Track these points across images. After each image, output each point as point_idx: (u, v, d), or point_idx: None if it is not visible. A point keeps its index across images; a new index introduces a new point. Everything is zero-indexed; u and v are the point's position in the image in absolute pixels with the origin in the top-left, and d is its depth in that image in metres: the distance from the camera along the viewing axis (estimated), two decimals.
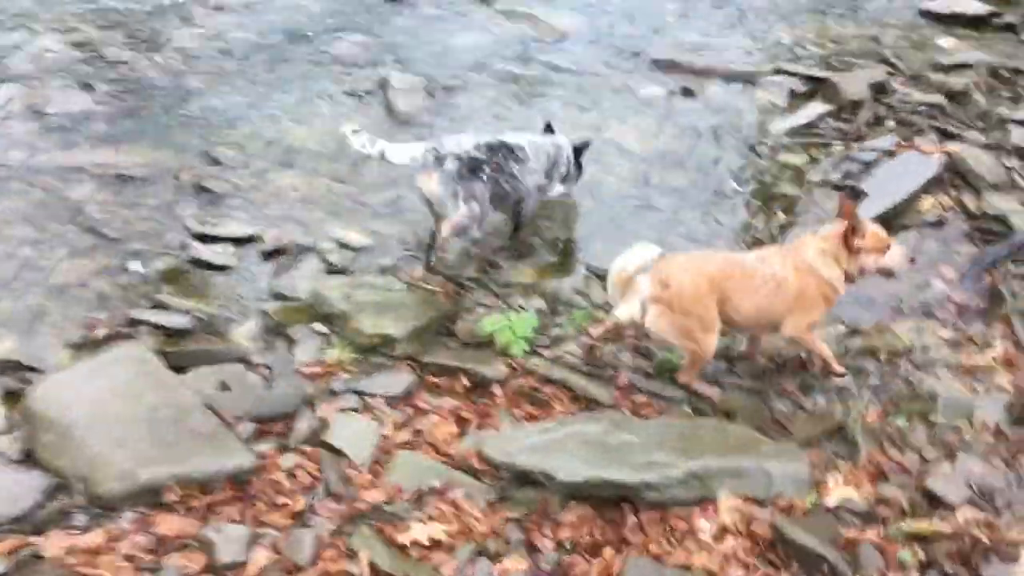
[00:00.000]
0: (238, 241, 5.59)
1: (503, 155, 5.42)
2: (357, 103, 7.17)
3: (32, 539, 3.60)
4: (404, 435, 4.19)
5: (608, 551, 3.43)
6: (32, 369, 4.45)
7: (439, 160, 5.25)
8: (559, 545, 3.54)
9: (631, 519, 3.56)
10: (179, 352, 4.64)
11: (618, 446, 3.79)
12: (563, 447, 3.80)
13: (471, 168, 5.28)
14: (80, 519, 3.73)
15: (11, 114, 6.45)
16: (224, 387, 4.41)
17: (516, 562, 3.43)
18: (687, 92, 7.60)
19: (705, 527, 3.46)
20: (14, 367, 4.47)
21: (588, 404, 4.35)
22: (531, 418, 4.27)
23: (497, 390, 4.44)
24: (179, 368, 4.47)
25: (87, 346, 4.68)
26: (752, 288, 4.32)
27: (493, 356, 4.64)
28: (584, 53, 8.03)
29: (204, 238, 5.57)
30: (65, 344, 4.66)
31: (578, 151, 5.89)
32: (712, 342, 4.35)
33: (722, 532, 3.44)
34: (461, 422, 4.27)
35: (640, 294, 4.27)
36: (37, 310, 4.91)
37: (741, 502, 3.54)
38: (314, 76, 7.46)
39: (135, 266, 5.29)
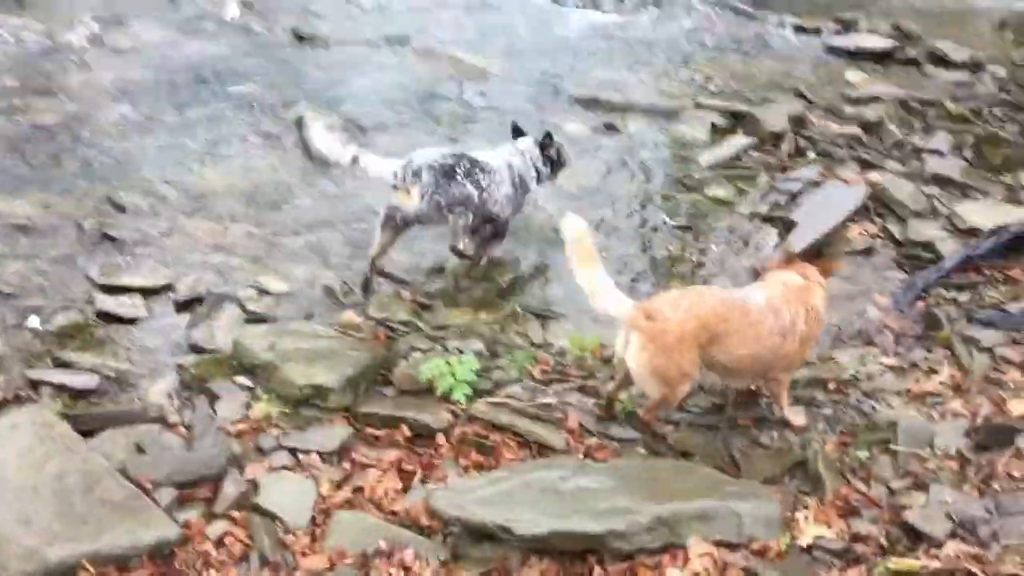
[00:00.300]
0: (148, 292, 5.20)
1: (469, 165, 5.32)
2: (270, 145, 6.86)
3: None
4: (343, 493, 3.87)
5: None
6: None
7: (416, 174, 5.13)
8: None
9: (597, 571, 3.31)
10: (86, 414, 4.24)
11: (577, 493, 3.55)
12: (519, 497, 3.53)
13: (445, 173, 5.19)
14: None
15: None
16: (139, 450, 4.02)
17: None
18: (610, 128, 7.54)
19: None
20: None
21: (539, 450, 4.10)
22: (479, 467, 4.00)
23: (441, 439, 4.16)
24: (87, 432, 4.07)
25: None
26: (755, 336, 4.05)
27: (434, 403, 4.35)
28: (505, 91, 7.91)
29: (110, 289, 5.16)
30: None
31: (543, 147, 5.78)
32: (685, 390, 4.10)
33: None
34: (404, 476, 3.97)
35: (623, 322, 4.02)
36: None
37: (712, 547, 3.33)
38: (222, 118, 7.13)
39: (33, 322, 4.85)
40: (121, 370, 4.62)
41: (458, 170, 5.23)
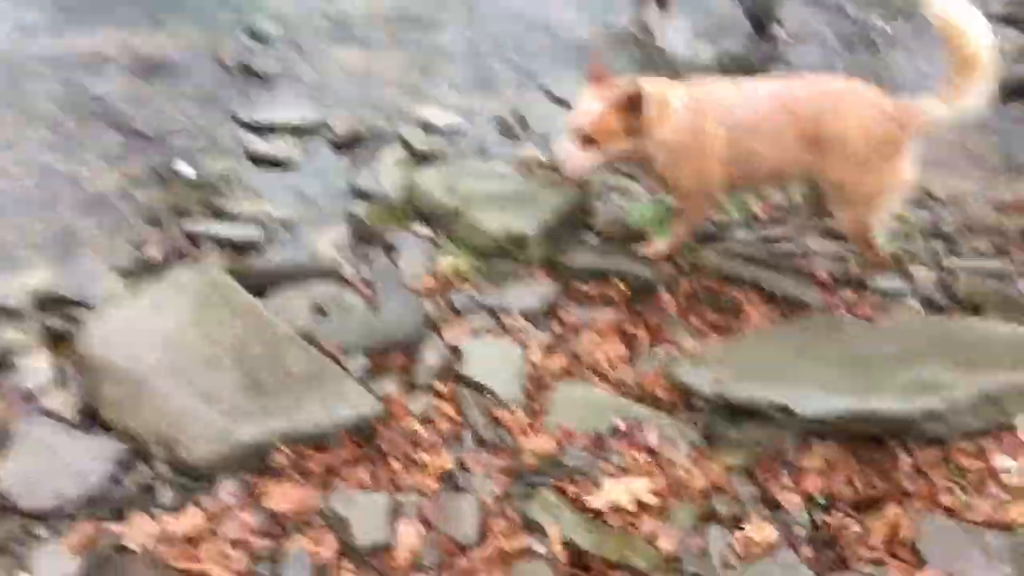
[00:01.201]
0: (301, 131, 4.62)
1: None
2: None
3: (111, 526, 2.77)
4: (558, 361, 3.29)
5: (889, 508, 2.54)
6: (78, 304, 3.54)
7: None
8: (810, 500, 2.66)
9: (904, 460, 2.67)
10: (255, 271, 3.72)
11: (863, 362, 2.87)
12: (790, 368, 2.88)
13: None
14: (168, 495, 2.89)
15: None
16: (320, 312, 3.50)
17: (761, 528, 2.56)
18: None
19: (1009, 466, 2.58)
20: (55, 302, 3.56)
21: (789, 307, 3.41)
22: (717, 329, 3.35)
23: (664, 295, 3.51)
24: (257, 291, 3.56)
25: (141, 270, 3.76)
26: None
27: None
28: None
29: (260, 130, 4.59)
30: (113, 269, 3.74)
31: None
32: None
33: None
34: (626, 339, 3.36)
35: None
36: (72, 229, 3.98)
37: None
38: None
39: (183, 168, 4.32)
40: (284, 219, 4.09)
41: None
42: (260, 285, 3.62)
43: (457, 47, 5.24)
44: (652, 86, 3.34)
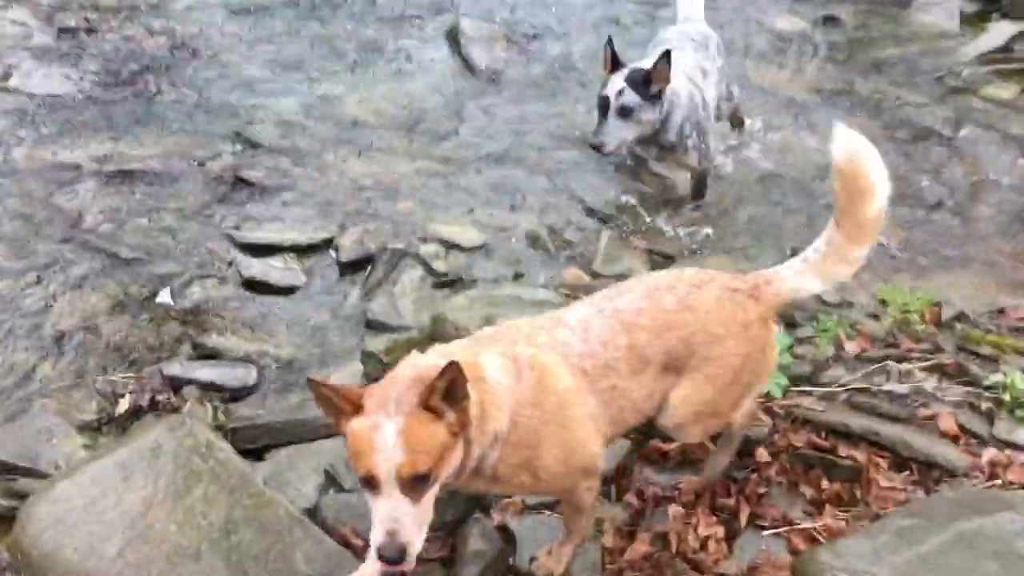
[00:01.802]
0: (303, 250, 4.00)
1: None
2: (422, 62, 5.52)
3: None
4: (639, 546, 2.58)
5: None
6: (28, 472, 2.84)
7: None
8: None
9: None
10: (250, 426, 3.04)
11: None
12: (969, 567, 2.18)
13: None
14: None
15: None
16: (331, 481, 2.80)
17: None
18: (830, 20, 6.04)
19: None
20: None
21: (924, 471, 2.73)
22: (835, 500, 2.66)
23: (762, 453, 2.82)
24: (253, 452, 2.89)
25: (107, 427, 3.08)
26: None
27: None
28: None
29: (256, 249, 3.97)
30: (75, 426, 3.04)
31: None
32: None
33: None
34: (722, 514, 2.66)
35: None
36: (28, 374, 3.32)
37: None
38: (359, 30, 5.78)
39: (164, 297, 3.68)
40: (285, 358, 3.43)
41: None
42: (257, 443, 2.96)
43: (476, 154, 4.67)
44: (458, 355, 2.10)
